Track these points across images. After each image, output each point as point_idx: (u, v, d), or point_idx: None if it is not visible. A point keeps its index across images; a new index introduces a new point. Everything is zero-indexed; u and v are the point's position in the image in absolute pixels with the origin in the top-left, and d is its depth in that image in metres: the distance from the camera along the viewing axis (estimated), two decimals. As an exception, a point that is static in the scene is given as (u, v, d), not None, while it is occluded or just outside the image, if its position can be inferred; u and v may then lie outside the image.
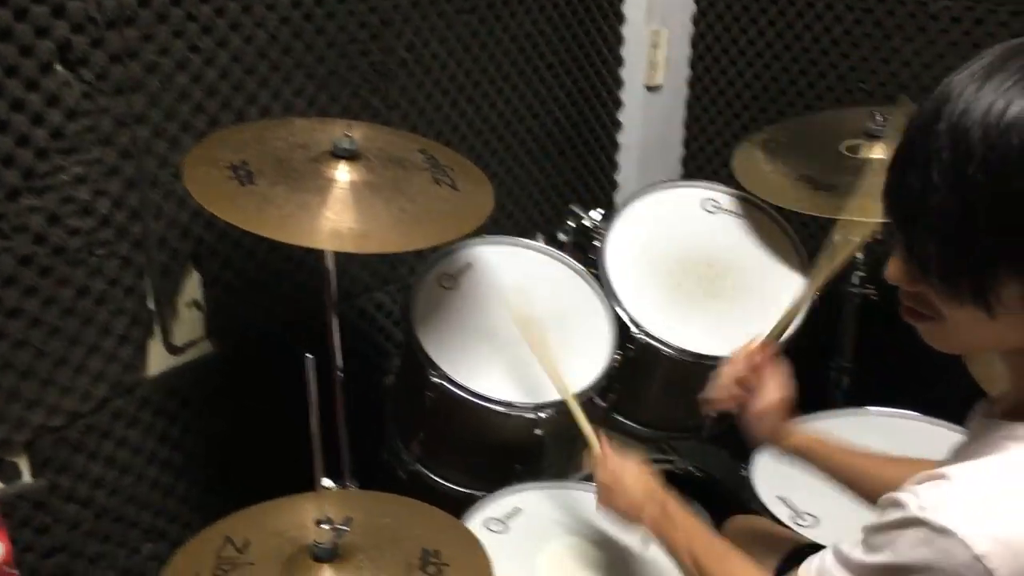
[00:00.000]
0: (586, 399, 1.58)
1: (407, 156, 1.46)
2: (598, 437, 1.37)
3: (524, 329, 1.48)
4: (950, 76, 0.80)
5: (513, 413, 1.52)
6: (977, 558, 0.75)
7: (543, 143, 2.20)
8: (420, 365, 1.52)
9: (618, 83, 2.35)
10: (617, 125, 2.40)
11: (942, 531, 0.76)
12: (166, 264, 1.58)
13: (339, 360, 1.50)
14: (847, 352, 1.85)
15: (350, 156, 1.38)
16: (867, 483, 1.23)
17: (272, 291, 1.76)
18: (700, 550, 1.16)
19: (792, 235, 1.79)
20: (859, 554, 0.84)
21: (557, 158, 2.25)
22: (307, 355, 1.06)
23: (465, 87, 1.96)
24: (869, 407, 1.69)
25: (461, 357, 1.55)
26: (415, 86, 1.86)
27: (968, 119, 0.77)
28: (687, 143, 2.46)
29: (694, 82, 2.39)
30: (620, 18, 2.27)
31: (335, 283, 1.45)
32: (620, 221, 1.77)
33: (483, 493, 1.52)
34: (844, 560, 0.85)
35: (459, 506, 1.44)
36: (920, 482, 0.81)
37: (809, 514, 1.48)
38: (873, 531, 0.83)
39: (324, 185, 1.35)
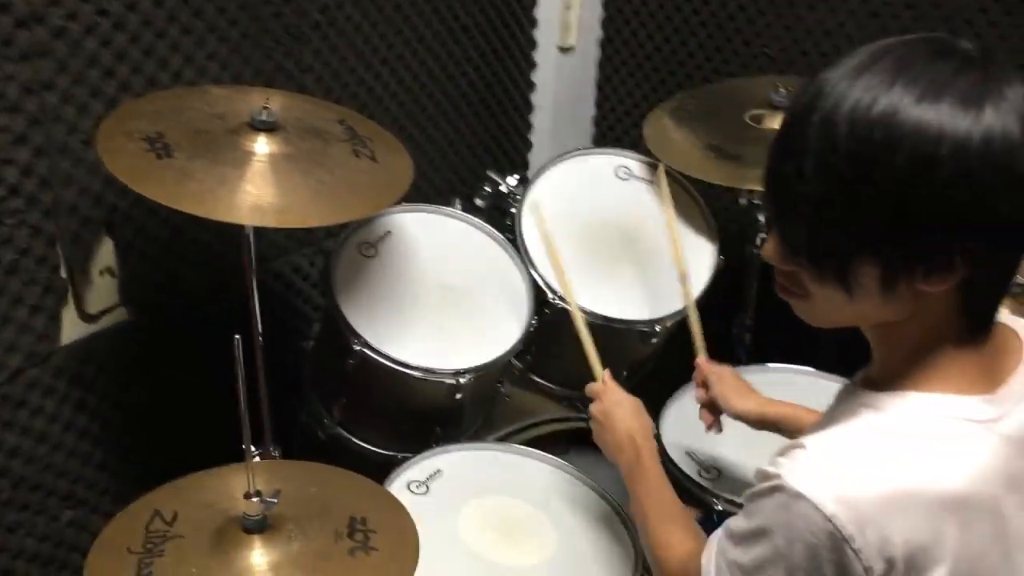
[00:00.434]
0: (504, 362, 1.64)
1: (326, 127, 1.47)
2: (603, 370, 1.44)
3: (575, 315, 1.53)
4: (825, 71, 0.86)
5: (433, 379, 1.56)
6: (827, 519, 0.83)
7: (458, 105, 2.21)
8: (341, 333, 1.55)
9: (532, 44, 2.37)
10: (531, 86, 2.43)
11: (797, 496, 0.85)
12: (77, 232, 1.56)
13: (259, 327, 1.51)
14: (750, 311, 1.95)
15: (269, 128, 1.37)
16: None
17: (188, 257, 1.75)
18: (651, 508, 1.23)
19: (701, 203, 1.85)
20: (739, 522, 0.93)
21: (472, 119, 2.27)
22: (235, 336, 1.07)
23: (379, 49, 1.96)
24: (769, 364, 1.79)
25: (382, 325, 1.58)
26: (329, 49, 1.85)
27: (837, 115, 0.83)
28: (599, 103, 2.51)
29: (605, 44, 2.42)
30: (534, -22, 2.29)
31: (254, 252, 1.45)
32: (535, 187, 1.80)
33: (403, 455, 1.56)
34: (728, 530, 0.95)
35: (379, 468, 1.47)
36: (783, 452, 0.90)
37: (714, 467, 1.57)
38: (748, 499, 0.92)
39: (243, 158, 1.34)
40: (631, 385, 1.82)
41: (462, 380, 1.56)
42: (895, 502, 0.84)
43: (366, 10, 1.89)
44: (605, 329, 1.67)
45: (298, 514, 1.16)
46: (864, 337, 0.97)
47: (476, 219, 1.77)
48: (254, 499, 1.12)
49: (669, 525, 1.20)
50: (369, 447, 1.69)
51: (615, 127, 2.49)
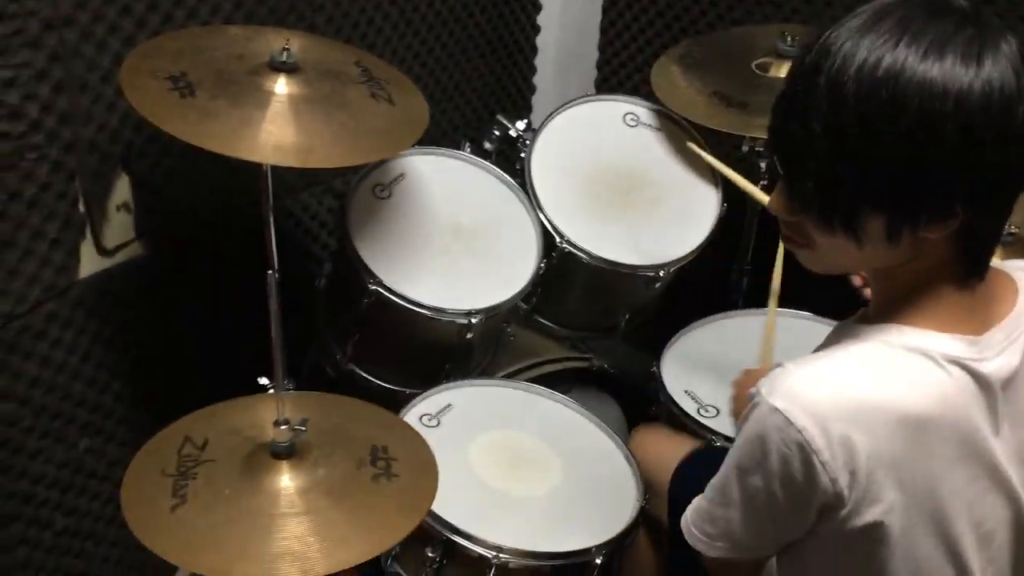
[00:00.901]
0: (513, 304, 1.69)
1: (344, 69, 1.49)
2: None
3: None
4: (829, 31, 0.90)
5: (445, 319, 1.60)
6: (798, 430, 0.92)
7: (465, 47, 2.22)
8: (356, 272, 1.59)
9: (537, -14, 2.38)
10: (536, 29, 2.44)
11: (772, 409, 0.93)
12: (96, 168, 1.58)
13: (275, 263, 1.54)
14: (748, 255, 1.99)
15: (289, 69, 1.40)
16: None
17: (202, 194, 1.78)
18: None
19: (707, 150, 1.88)
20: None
21: (477, 61, 2.28)
22: (269, 271, 1.11)
23: (390, -11, 1.96)
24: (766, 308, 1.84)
25: (397, 265, 1.62)
26: (340, -12, 1.86)
27: (844, 74, 0.87)
28: (602, 48, 2.51)
29: (611, -14, 2.42)
30: (540, -80, 2.28)
31: (271, 190, 1.48)
32: (544, 133, 1.83)
33: (413, 391, 1.62)
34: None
35: (390, 403, 1.52)
36: (768, 375, 0.97)
37: (712, 406, 1.63)
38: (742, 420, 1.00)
39: (263, 98, 1.36)
40: (633, 327, 1.88)
41: (473, 320, 1.60)
42: (860, 415, 0.91)
43: (376, -50, 1.89)
44: (610, 273, 1.71)
45: (322, 442, 1.22)
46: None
47: (487, 163, 1.80)
48: (283, 427, 1.17)
49: None
50: (381, 383, 1.74)
51: (618, 71, 2.50)
